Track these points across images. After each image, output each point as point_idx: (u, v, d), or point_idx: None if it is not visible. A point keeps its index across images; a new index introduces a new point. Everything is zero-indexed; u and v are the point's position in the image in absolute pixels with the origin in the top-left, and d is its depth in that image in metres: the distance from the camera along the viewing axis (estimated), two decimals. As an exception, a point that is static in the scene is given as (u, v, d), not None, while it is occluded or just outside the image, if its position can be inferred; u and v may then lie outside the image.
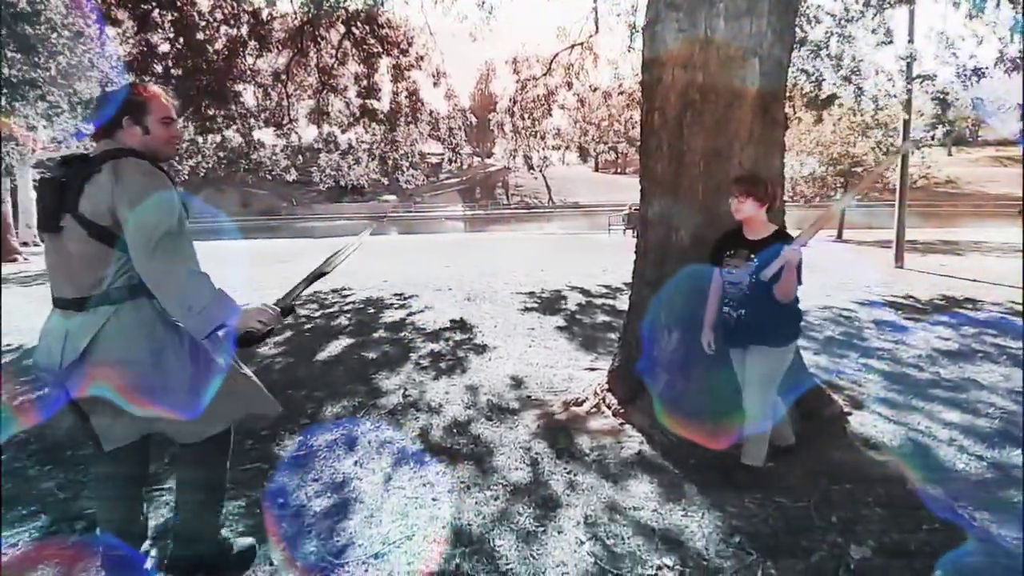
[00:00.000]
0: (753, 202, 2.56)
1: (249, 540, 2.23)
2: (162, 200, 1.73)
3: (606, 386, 3.74)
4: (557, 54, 11.81)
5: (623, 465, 2.92)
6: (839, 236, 18.55)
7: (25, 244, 17.06)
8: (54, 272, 1.82)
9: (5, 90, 7.48)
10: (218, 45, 8.41)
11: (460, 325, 5.98)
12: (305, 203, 49.37)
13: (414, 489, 2.71)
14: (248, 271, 10.67)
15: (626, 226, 21.03)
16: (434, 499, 2.62)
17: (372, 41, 10.51)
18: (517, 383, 4.21)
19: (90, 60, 9.13)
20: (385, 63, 11.38)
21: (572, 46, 11.48)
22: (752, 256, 2.57)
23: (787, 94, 3.84)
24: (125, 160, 1.75)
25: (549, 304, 7.06)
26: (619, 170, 65.25)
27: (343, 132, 11.65)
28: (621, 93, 12.13)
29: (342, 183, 12.02)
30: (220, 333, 1.79)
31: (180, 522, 2.02)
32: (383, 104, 11.74)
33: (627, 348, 3.69)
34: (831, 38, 8.68)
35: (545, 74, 12.06)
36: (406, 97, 11.63)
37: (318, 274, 2.23)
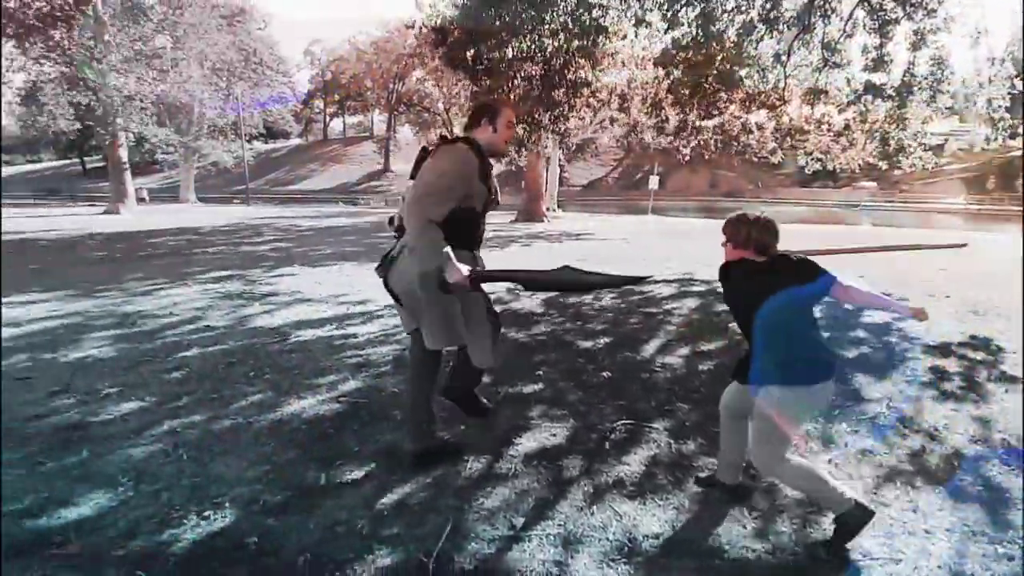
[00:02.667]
0: (732, 248, 2.30)
1: (458, 444, 2.90)
2: (443, 174, 2.35)
3: None
4: None
5: None
6: None
7: (548, 209, 22.02)
8: (401, 210, 2.57)
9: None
10: (730, 32, 8.84)
11: (968, 342, 4.93)
12: (770, 186, 47.85)
13: (900, 511, 2.45)
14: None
15: None
16: (927, 531, 2.33)
17: (891, 5, 9.21)
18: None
19: (622, 61, 11.04)
20: (904, 29, 9.86)
21: None
22: None
23: None
24: (453, 143, 2.45)
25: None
26: None
27: (840, 112, 10.71)
28: None
29: (829, 167, 11.14)
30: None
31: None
32: (893, 77, 10.22)
33: None
34: None
35: None
36: (930, 66, 9.83)
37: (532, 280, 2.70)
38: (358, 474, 2.64)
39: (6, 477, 2.56)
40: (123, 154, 22.66)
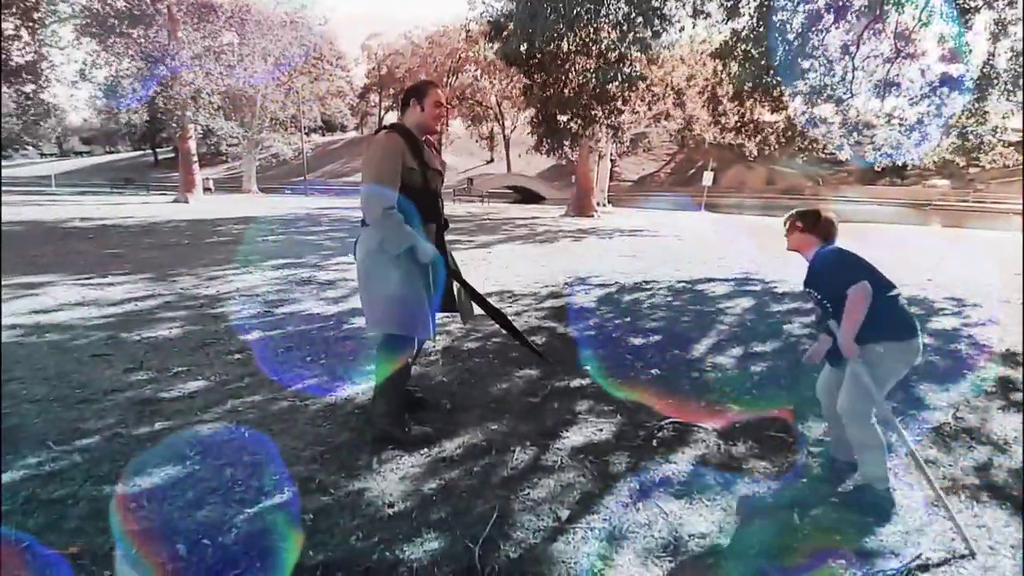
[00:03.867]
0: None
1: (428, 429, 2.94)
2: (380, 161, 2.57)
3: None
4: None
5: None
6: None
7: (598, 204, 21.80)
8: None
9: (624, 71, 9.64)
10: (795, 22, 8.50)
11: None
12: (832, 184, 45.85)
13: (964, 525, 2.34)
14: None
15: None
16: (991, 548, 2.22)
17: (972, -8, 8.66)
18: None
19: (681, 57, 10.80)
20: (984, 18, 9.28)
21: None
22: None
23: None
24: (382, 133, 2.67)
25: None
26: None
27: (912, 105, 10.17)
28: None
29: (899, 163, 10.59)
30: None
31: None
32: (971, 69, 9.63)
33: None
34: None
35: None
36: (1010, 59, 9.22)
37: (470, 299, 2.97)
38: (408, 459, 2.72)
39: (87, 444, 2.76)
40: (192, 146, 23.78)
